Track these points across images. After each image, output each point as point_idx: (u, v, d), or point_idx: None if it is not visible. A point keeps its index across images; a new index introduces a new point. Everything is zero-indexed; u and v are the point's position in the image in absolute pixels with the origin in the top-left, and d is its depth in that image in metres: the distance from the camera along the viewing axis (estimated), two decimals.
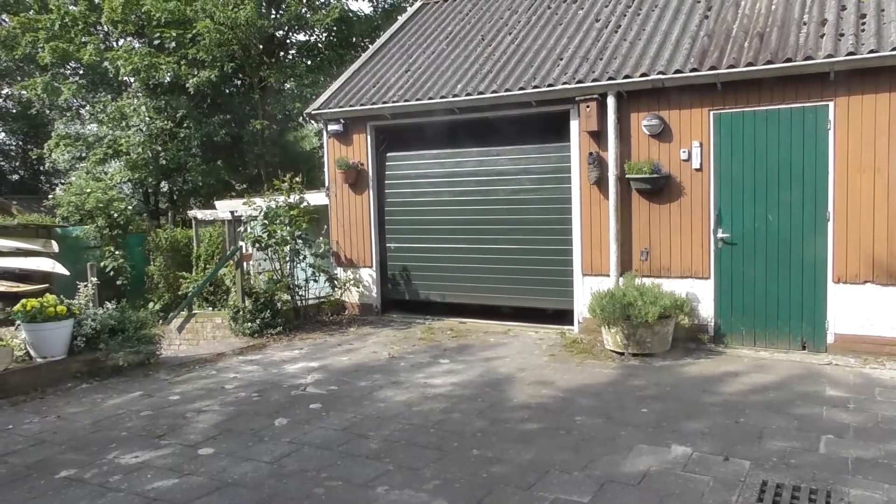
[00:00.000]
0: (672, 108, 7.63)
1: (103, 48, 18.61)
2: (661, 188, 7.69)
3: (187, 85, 17.07)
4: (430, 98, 8.88)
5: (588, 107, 7.87)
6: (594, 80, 7.86)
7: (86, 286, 7.67)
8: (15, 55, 19.92)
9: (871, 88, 6.72)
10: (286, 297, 9.50)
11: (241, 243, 10.33)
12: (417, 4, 12.24)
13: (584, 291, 8.18)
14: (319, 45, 20.31)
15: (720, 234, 7.45)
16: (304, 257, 9.84)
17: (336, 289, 10.01)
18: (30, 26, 19.12)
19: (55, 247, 12.27)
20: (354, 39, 20.05)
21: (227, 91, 19.68)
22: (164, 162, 17.83)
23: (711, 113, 7.43)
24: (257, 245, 9.62)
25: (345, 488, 4.18)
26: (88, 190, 13.68)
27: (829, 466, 4.29)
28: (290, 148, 21.38)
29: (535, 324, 8.88)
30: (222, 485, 4.26)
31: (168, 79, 17.71)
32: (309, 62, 19.89)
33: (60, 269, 11.24)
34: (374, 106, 9.36)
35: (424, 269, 9.65)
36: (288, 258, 9.75)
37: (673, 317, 7.33)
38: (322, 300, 10.11)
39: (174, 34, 17.39)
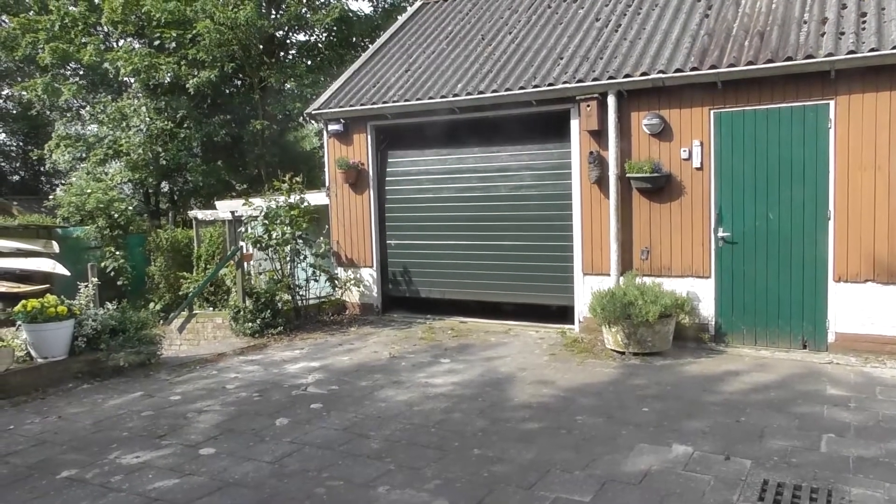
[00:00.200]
0: (672, 107, 7.63)
1: (103, 49, 18.61)
2: (661, 187, 7.69)
3: (187, 85, 17.07)
4: (431, 98, 8.88)
5: (588, 106, 7.87)
6: (594, 80, 7.85)
7: (86, 286, 7.67)
8: (15, 56, 19.95)
9: (871, 87, 6.72)
10: (287, 297, 9.50)
11: (241, 243, 10.34)
12: (417, 4, 12.24)
13: (585, 291, 8.18)
14: (319, 45, 20.31)
15: (721, 233, 7.45)
16: (305, 257, 9.85)
17: (337, 288, 10.01)
18: (30, 27, 19.13)
19: (56, 247, 12.29)
20: (354, 39, 20.05)
21: (228, 91, 19.68)
22: (164, 162, 17.84)
23: (712, 112, 7.42)
24: (258, 245, 9.62)
25: (346, 488, 4.18)
26: (89, 190, 13.70)
27: (830, 465, 4.29)
28: (290, 148, 21.38)
29: (535, 323, 8.88)
30: (223, 485, 4.26)
31: (168, 79, 17.70)
32: (309, 62, 19.89)
33: (61, 269, 11.26)
34: (375, 106, 9.36)
35: (425, 265, 9.64)
36: (288, 258, 9.75)
37: (674, 316, 7.32)
38: (323, 300, 10.11)
39: (174, 34, 17.39)
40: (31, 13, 20.29)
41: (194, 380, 6.83)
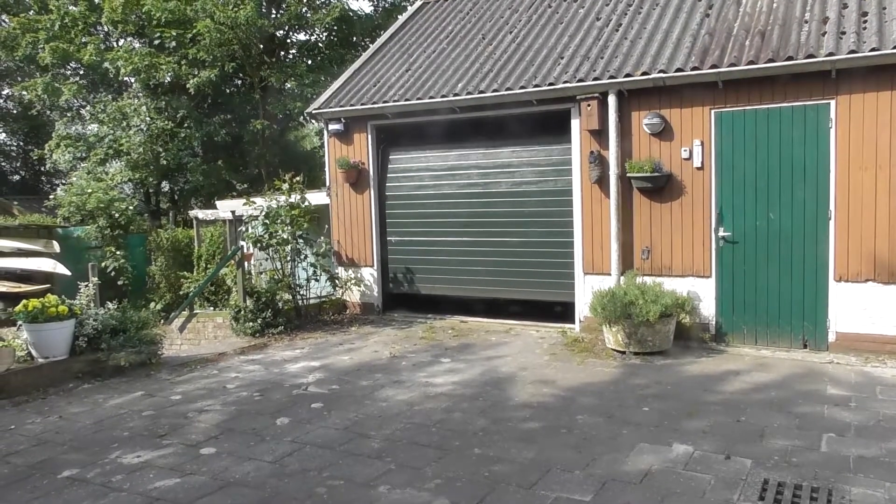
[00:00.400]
0: (673, 106, 7.62)
1: (103, 48, 18.62)
2: (662, 187, 7.69)
3: (188, 85, 17.08)
4: (431, 97, 8.88)
5: (589, 105, 7.86)
6: (595, 79, 7.85)
7: (87, 286, 7.67)
8: (15, 56, 19.94)
9: (872, 86, 6.71)
10: (287, 296, 9.50)
11: (242, 243, 10.33)
12: (418, 4, 12.24)
13: (586, 290, 8.18)
14: (320, 44, 20.32)
15: (721, 233, 7.45)
16: (306, 257, 9.84)
17: (337, 288, 10.02)
18: (30, 27, 19.14)
19: (56, 247, 12.28)
20: (355, 39, 20.06)
21: (228, 91, 19.69)
22: (164, 162, 17.84)
23: (713, 111, 7.42)
24: (258, 245, 9.62)
25: (346, 487, 4.18)
26: (89, 190, 13.68)
27: (831, 465, 4.29)
28: (290, 147, 21.39)
29: (536, 322, 8.88)
30: (224, 484, 4.27)
31: (168, 79, 17.72)
32: (309, 62, 19.89)
33: (62, 269, 11.25)
34: (375, 105, 9.36)
35: (425, 262, 9.65)
36: (289, 258, 9.75)
37: (674, 315, 7.32)
38: (323, 299, 10.11)
39: (174, 34, 17.40)
40: (32, 13, 20.29)
41: (195, 379, 6.83)
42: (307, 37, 20.57)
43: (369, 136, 9.74)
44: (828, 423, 5.02)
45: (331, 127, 9.89)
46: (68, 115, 21.34)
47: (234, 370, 7.17)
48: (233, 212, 11.79)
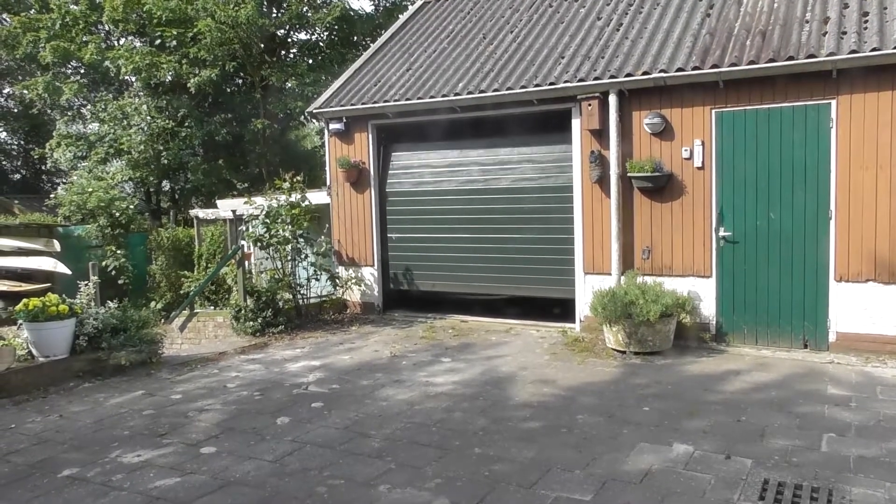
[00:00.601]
0: (674, 106, 7.62)
1: (104, 47, 18.63)
2: (662, 187, 7.69)
3: (188, 84, 17.07)
4: (432, 97, 8.88)
5: (590, 105, 7.86)
6: (596, 79, 7.85)
7: (88, 285, 7.67)
8: (16, 54, 19.94)
9: (873, 86, 6.71)
10: (288, 295, 9.51)
11: (242, 242, 10.33)
12: (419, 3, 12.23)
13: (586, 290, 8.18)
14: (321, 43, 20.31)
15: (722, 233, 7.44)
16: (306, 256, 9.85)
17: (338, 287, 10.02)
18: (31, 26, 19.14)
19: (57, 246, 12.29)
20: (356, 38, 20.05)
21: (229, 90, 19.68)
22: (165, 161, 17.84)
23: (713, 111, 7.42)
24: (259, 244, 9.63)
25: (347, 487, 4.18)
26: (90, 189, 13.68)
27: (831, 465, 4.29)
28: (291, 147, 21.39)
29: (536, 322, 8.88)
30: (224, 483, 4.27)
31: (169, 78, 17.72)
32: (310, 61, 19.88)
33: (62, 268, 11.25)
34: (376, 105, 9.36)
35: (426, 258, 9.65)
36: (290, 257, 9.75)
37: (675, 315, 7.32)
38: (324, 299, 10.12)
39: (175, 33, 17.39)
40: (32, 12, 20.29)
41: (195, 378, 6.83)
42: (308, 36, 20.58)
43: (370, 136, 9.74)
44: (828, 423, 5.02)
45: (331, 126, 9.89)
46: (69, 114, 21.34)
47: (235, 369, 7.18)
48: (233, 211, 11.79)
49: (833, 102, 6.88)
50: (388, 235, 9.92)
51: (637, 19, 8.75)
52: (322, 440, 4.97)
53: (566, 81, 8.04)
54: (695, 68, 7.30)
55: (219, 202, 14.06)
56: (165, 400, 6.09)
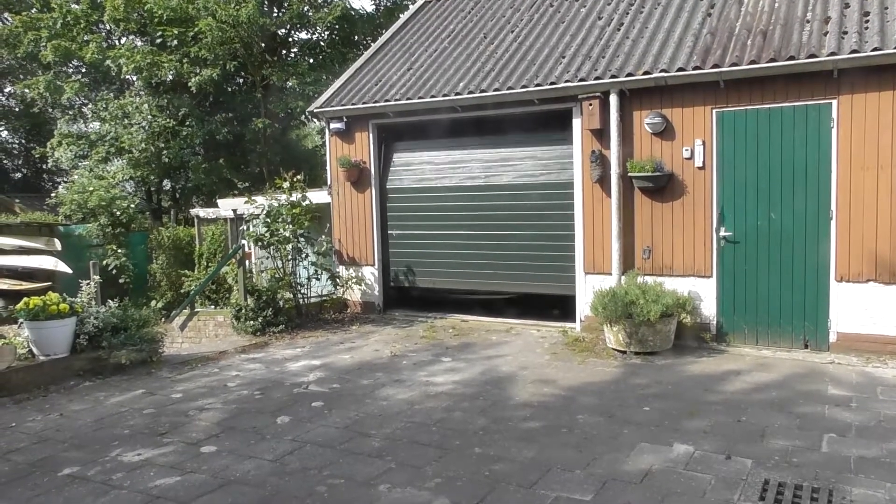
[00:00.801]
0: (675, 106, 7.62)
1: (105, 46, 18.64)
2: (663, 186, 7.68)
3: (189, 83, 17.08)
4: (433, 96, 8.88)
5: (591, 105, 7.86)
6: (597, 78, 7.85)
7: (88, 284, 7.68)
8: (17, 54, 19.96)
9: (874, 86, 6.70)
10: (288, 295, 9.51)
11: (243, 241, 10.34)
12: (419, 2, 12.22)
13: (587, 289, 8.18)
14: (322, 43, 20.33)
15: (723, 233, 7.44)
16: (307, 255, 9.85)
17: (338, 287, 10.02)
18: (32, 25, 19.15)
19: (58, 245, 12.29)
20: (356, 37, 20.07)
21: (230, 89, 19.69)
22: (166, 160, 17.86)
23: (714, 111, 7.41)
24: (259, 243, 9.62)
25: (347, 486, 4.18)
26: (91, 188, 13.69)
27: (832, 465, 4.29)
28: (292, 146, 21.39)
29: (537, 322, 8.88)
30: (225, 482, 4.27)
31: (170, 77, 17.73)
32: (311, 60, 19.90)
33: (63, 267, 11.26)
34: (377, 104, 9.36)
35: (427, 256, 9.65)
36: (290, 256, 9.75)
37: (675, 315, 7.32)
38: (324, 298, 10.12)
39: (176, 32, 17.41)
40: (34, 11, 20.31)
41: (196, 378, 6.84)
42: (309, 35, 20.59)
43: (371, 135, 9.74)
44: (829, 424, 5.02)
45: (332, 126, 9.89)
46: (70, 112, 21.37)
47: (235, 368, 7.18)
48: (234, 210, 11.80)
49: (834, 102, 6.88)
50: (389, 232, 9.92)
51: (638, 19, 8.74)
52: (322, 439, 4.98)
53: (567, 81, 8.04)
54: (696, 68, 7.29)
55: (219, 201, 14.07)
56: (166, 399, 6.09)
